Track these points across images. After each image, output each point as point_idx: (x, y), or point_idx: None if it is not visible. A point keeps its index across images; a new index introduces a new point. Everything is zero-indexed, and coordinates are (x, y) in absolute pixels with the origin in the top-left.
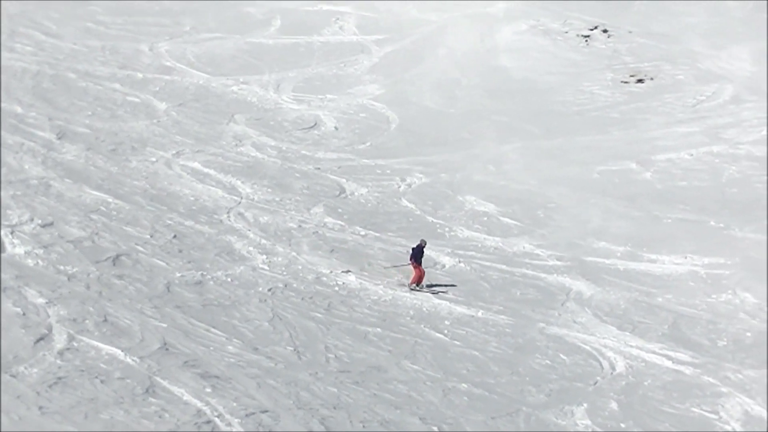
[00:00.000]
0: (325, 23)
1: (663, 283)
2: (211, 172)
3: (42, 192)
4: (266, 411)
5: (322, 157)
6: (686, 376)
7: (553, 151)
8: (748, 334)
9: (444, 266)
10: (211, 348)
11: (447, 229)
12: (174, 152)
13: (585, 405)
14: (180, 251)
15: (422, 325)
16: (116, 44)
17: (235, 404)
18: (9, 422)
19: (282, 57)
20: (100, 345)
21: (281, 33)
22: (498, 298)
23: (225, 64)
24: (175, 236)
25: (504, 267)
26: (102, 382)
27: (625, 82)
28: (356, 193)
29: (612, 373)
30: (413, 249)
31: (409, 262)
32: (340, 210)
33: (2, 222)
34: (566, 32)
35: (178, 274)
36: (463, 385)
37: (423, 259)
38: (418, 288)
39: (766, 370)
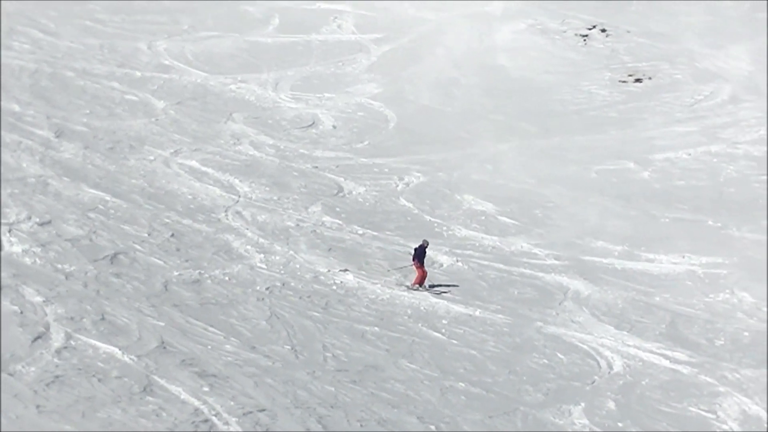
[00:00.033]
0: (324, 22)
1: (660, 282)
2: (209, 170)
3: (40, 190)
4: (264, 410)
5: (320, 155)
6: (684, 376)
7: (551, 150)
8: (746, 333)
9: (442, 265)
10: (209, 347)
11: (445, 228)
12: (172, 151)
13: (582, 404)
14: (178, 250)
15: (420, 324)
16: (114, 42)
17: (232, 403)
18: (6, 421)
19: (280, 56)
20: (98, 344)
21: (279, 32)
22: (495, 297)
23: (223, 63)
24: (172, 235)
25: (502, 266)
26: (99, 380)
27: (623, 82)
28: (354, 192)
29: (609, 373)
30: (415, 249)
31: (412, 262)
32: (338, 209)
33: (0, 220)
34: (564, 31)
35: (176, 273)
36: (461, 384)
37: (413, 257)
38: (420, 288)
39: (763, 370)
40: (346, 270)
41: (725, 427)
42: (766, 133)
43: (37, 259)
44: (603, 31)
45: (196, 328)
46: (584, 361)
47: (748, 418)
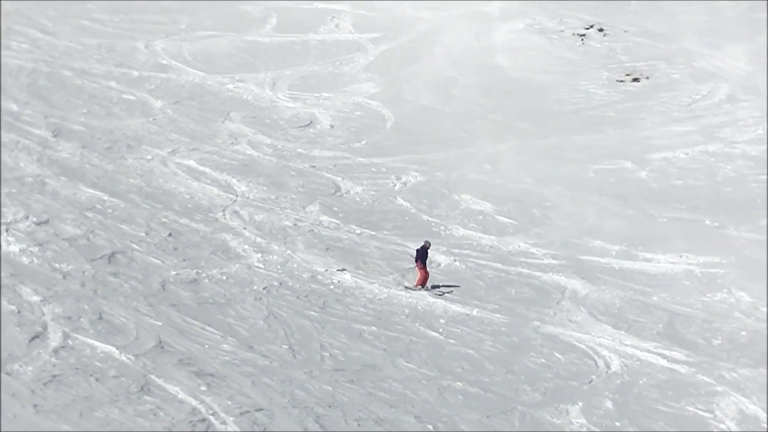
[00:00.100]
0: (321, 21)
1: (658, 282)
2: (207, 170)
3: (37, 190)
4: (261, 409)
5: (318, 155)
6: (681, 375)
7: (548, 149)
8: (743, 333)
9: (439, 265)
10: (206, 346)
11: (442, 227)
12: (169, 150)
13: (580, 404)
14: (175, 249)
15: (417, 324)
16: (112, 42)
17: (229, 402)
18: (4, 420)
19: (278, 55)
20: (95, 343)
21: (277, 31)
22: (493, 297)
23: (221, 62)
24: (170, 234)
25: (499, 266)
26: (97, 380)
27: (621, 81)
28: (352, 192)
29: (607, 372)
30: (418, 251)
31: (414, 264)
32: (335, 208)
33: None
34: (562, 31)
35: (173, 272)
36: (458, 383)
37: (416, 258)
38: (422, 289)
39: (761, 369)
40: (343, 269)
41: (723, 426)
42: (763, 132)
43: (34, 259)
44: (600, 30)
45: (193, 327)
46: (582, 361)
47: (746, 418)
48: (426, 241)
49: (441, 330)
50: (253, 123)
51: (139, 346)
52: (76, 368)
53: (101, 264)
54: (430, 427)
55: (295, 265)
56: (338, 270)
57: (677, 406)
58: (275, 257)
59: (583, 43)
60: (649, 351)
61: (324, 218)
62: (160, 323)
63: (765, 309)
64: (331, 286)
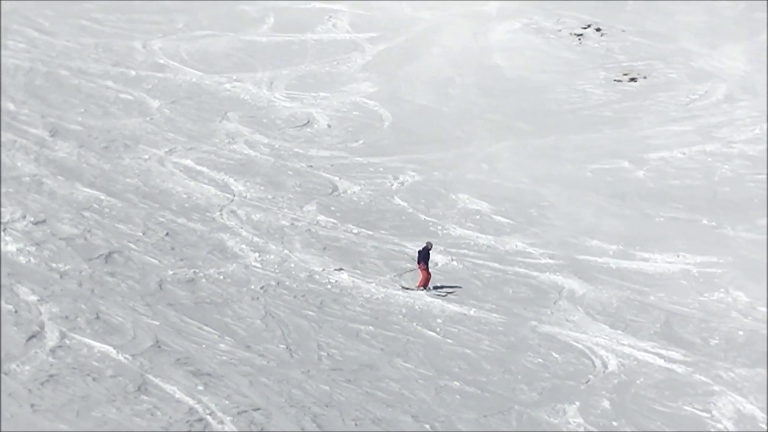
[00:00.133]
0: (319, 21)
1: (655, 281)
2: (204, 169)
3: (34, 189)
4: (258, 409)
5: (315, 155)
6: (678, 375)
7: (546, 149)
8: (741, 332)
9: (437, 264)
10: (204, 346)
11: (440, 227)
12: (167, 150)
13: (577, 403)
14: (172, 249)
15: (414, 324)
16: (109, 42)
17: (227, 402)
18: (1, 420)
19: (275, 55)
20: (93, 342)
21: (274, 31)
22: (490, 297)
23: (218, 62)
24: (167, 234)
25: (496, 265)
26: (94, 379)
27: (618, 81)
28: (349, 191)
29: (604, 372)
30: (419, 252)
31: (417, 265)
32: (332, 208)
33: None
34: (559, 31)
35: (171, 272)
36: (456, 383)
37: (418, 259)
38: (424, 290)
39: (758, 369)
40: (340, 269)
41: (720, 426)
42: (761, 132)
43: (31, 258)
44: (598, 30)
45: (190, 327)
46: (579, 360)
47: (743, 417)
48: (428, 242)
49: (438, 330)
50: (250, 122)
51: (136, 345)
52: (73, 368)
53: (98, 263)
54: (428, 426)
55: (293, 265)
56: (335, 269)
57: (674, 405)
58: (272, 257)
59: (580, 43)
60: (646, 351)
61: (321, 218)
62: (157, 323)
63: (762, 309)
64: (329, 286)
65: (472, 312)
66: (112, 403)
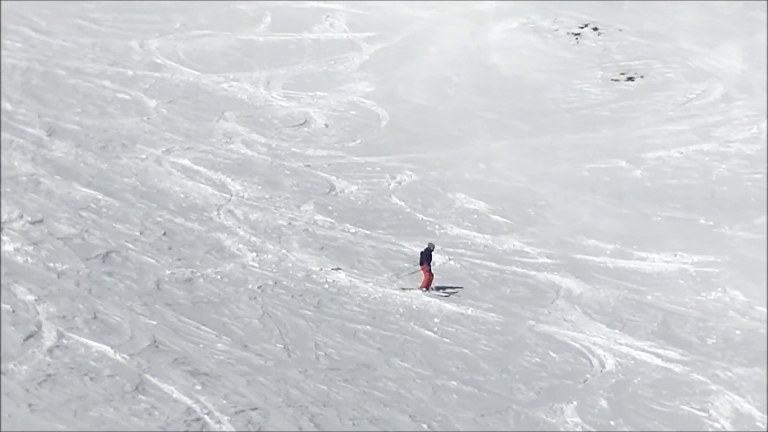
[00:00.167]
0: (316, 20)
1: (652, 280)
2: (201, 169)
3: (32, 189)
4: (256, 408)
5: (312, 154)
6: (676, 374)
7: (543, 148)
8: (738, 332)
9: (434, 264)
10: (201, 345)
11: (437, 226)
12: (164, 149)
13: (574, 403)
14: (170, 248)
15: (412, 323)
16: (106, 41)
17: (224, 402)
18: None
19: (272, 54)
20: (90, 342)
21: (272, 30)
22: (488, 296)
23: (215, 61)
24: (164, 233)
25: (494, 265)
26: (91, 379)
27: (616, 80)
28: (346, 191)
29: (601, 371)
30: (422, 253)
31: (419, 266)
32: (330, 207)
33: None
34: (556, 30)
35: (168, 272)
36: (453, 382)
37: (421, 260)
38: (427, 291)
39: (755, 368)
40: (338, 269)
41: (717, 425)
42: (758, 131)
43: (29, 258)
44: (595, 29)
45: (188, 326)
46: (576, 360)
47: (741, 417)
48: (430, 243)
49: (435, 329)
50: (247, 122)
51: (133, 345)
52: (71, 367)
53: (96, 263)
54: (425, 426)
55: (290, 264)
56: (333, 269)
57: (672, 405)
58: (270, 256)
59: (577, 42)
60: (643, 350)
61: (319, 217)
62: (154, 322)
63: (760, 308)
64: (326, 285)
65: (469, 311)
66: (109, 402)
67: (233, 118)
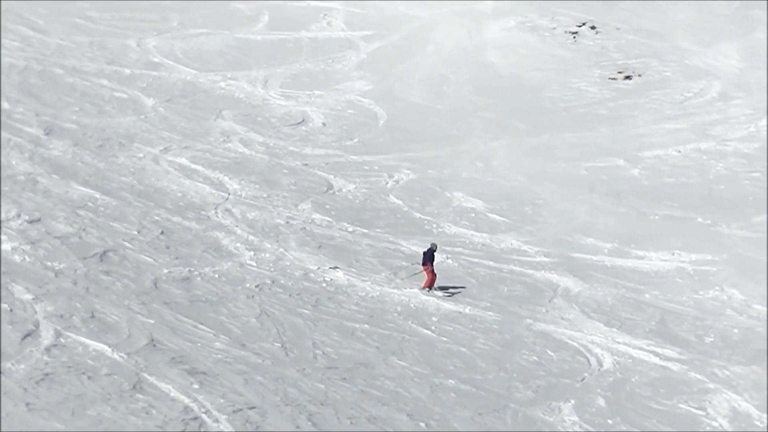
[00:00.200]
0: (313, 19)
1: (650, 279)
2: (199, 168)
3: (29, 188)
4: (254, 407)
5: (310, 153)
6: (673, 373)
7: (540, 147)
8: (735, 330)
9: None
10: (199, 344)
11: (434, 225)
12: (161, 148)
13: (572, 401)
14: (167, 247)
15: (410, 322)
16: (104, 40)
17: (222, 400)
18: None
19: (270, 53)
20: (87, 341)
21: (269, 29)
22: (485, 295)
23: (213, 60)
24: (162, 232)
25: (491, 263)
26: (89, 378)
27: (613, 79)
28: (344, 190)
29: (599, 370)
30: (425, 253)
31: (422, 267)
32: (327, 206)
33: None
34: (554, 29)
35: (166, 270)
36: (451, 381)
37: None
38: (430, 291)
39: (753, 367)
40: (336, 267)
41: (715, 423)
42: (755, 130)
43: (26, 257)
44: (593, 28)
45: (185, 325)
46: (574, 358)
47: (738, 415)
48: (433, 244)
49: (433, 328)
50: (245, 121)
51: (131, 344)
52: (69, 366)
53: (93, 262)
54: (423, 425)
55: (288, 263)
56: (330, 268)
57: (669, 403)
58: (267, 255)
59: (575, 41)
60: (641, 348)
61: (316, 216)
62: (152, 321)
63: (757, 306)
64: (324, 284)
65: (467, 310)
66: (107, 401)
67: (231, 116)
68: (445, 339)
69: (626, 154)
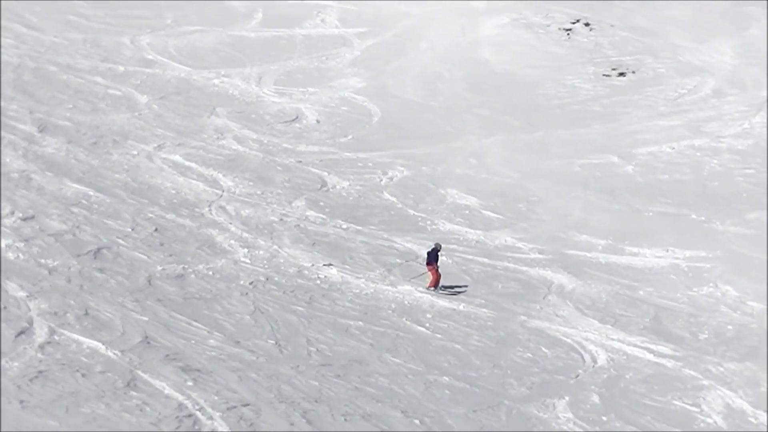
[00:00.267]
0: (307, 16)
1: (644, 276)
2: (193, 165)
3: (23, 185)
4: (248, 404)
5: (304, 150)
6: (668, 369)
7: (534, 144)
8: (729, 327)
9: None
10: (193, 341)
11: (428, 222)
12: (155, 145)
13: (566, 398)
14: (161, 244)
15: (404, 319)
16: (98, 37)
17: (216, 398)
18: None
19: (264, 50)
20: (81, 338)
21: (263, 26)
22: (479, 292)
23: (206, 57)
24: (156, 229)
25: (485, 260)
26: (83, 375)
27: (607, 76)
28: (338, 187)
29: (593, 366)
30: (428, 253)
31: (426, 267)
32: (321, 203)
33: None
34: (548, 26)
35: (160, 268)
36: (445, 378)
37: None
38: (435, 291)
39: (747, 363)
40: (330, 264)
41: (709, 420)
42: (749, 126)
43: (20, 254)
44: (587, 25)
45: (179, 322)
46: (568, 355)
47: (732, 412)
48: (437, 243)
49: (427, 325)
50: (238, 118)
51: (125, 341)
52: (63, 364)
53: (87, 259)
54: (417, 421)
55: (282, 260)
56: (325, 265)
57: (664, 400)
58: (261, 252)
59: (569, 38)
60: (635, 345)
61: (310, 213)
62: (146, 318)
63: (751, 303)
64: (318, 281)
65: (461, 307)
66: (101, 399)
67: (224, 114)
68: (439, 336)
69: (620, 150)
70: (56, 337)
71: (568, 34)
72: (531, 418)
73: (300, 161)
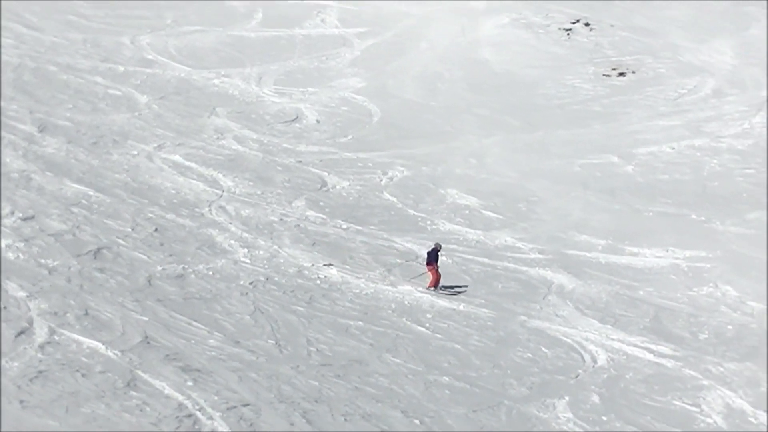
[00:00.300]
0: (307, 16)
1: (644, 276)
2: (193, 165)
3: (23, 185)
4: (248, 404)
5: (304, 150)
6: (668, 369)
7: (534, 144)
8: (729, 327)
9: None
10: (193, 341)
11: (428, 222)
12: (155, 145)
13: (566, 398)
14: (161, 244)
15: (404, 319)
16: (98, 37)
17: (216, 398)
18: None
19: (264, 50)
20: (81, 338)
21: (263, 26)
22: (480, 292)
23: (206, 57)
24: (156, 229)
25: (485, 260)
26: (83, 375)
27: (607, 76)
28: (338, 187)
29: (593, 366)
30: (428, 253)
31: (426, 267)
32: (321, 203)
33: None
34: (548, 26)
35: (160, 268)
36: (445, 378)
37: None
38: (435, 290)
39: (747, 363)
40: (330, 264)
41: (709, 420)
42: (749, 126)
43: (20, 254)
44: (587, 25)
45: (179, 322)
46: (568, 355)
47: (732, 412)
48: (437, 244)
49: (427, 325)
50: (238, 118)
51: (125, 341)
52: (63, 364)
53: (87, 259)
54: (417, 421)
55: (282, 260)
56: (325, 265)
57: (664, 400)
58: (261, 252)
59: (569, 38)
60: (635, 345)
61: (310, 213)
62: (146, 318)
63: (751, 303)
64: (318, 281)
65: (461, 307)
66: (101, 399)
67: (224, 114)
68: (439, 336)
69: (620, 150)
70: (56, 337)
71: (568, 34)
72: (531, 418)
73: (300, 161)
